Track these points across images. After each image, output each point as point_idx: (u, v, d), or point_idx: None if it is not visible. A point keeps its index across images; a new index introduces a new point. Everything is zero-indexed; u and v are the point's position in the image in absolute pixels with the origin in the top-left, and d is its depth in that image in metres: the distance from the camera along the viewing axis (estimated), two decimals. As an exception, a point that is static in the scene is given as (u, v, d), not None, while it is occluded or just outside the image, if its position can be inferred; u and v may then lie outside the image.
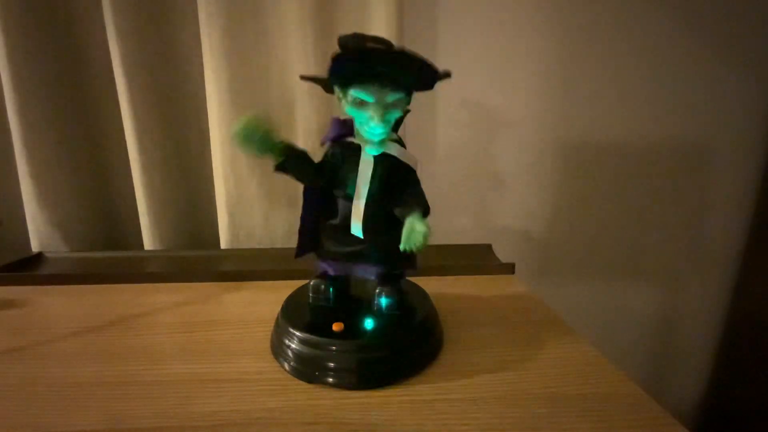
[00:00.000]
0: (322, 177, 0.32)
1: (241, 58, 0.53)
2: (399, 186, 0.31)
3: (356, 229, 0.31)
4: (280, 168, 0.30)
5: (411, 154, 0.31)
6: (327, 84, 0.30)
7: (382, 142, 0.30)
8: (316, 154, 0.53)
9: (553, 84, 0.63)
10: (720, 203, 0.70)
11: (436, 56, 0.61)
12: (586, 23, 0.61)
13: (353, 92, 0.28)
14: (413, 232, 0.27)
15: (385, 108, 0.28)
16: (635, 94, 0.64)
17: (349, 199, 0.31)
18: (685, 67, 0.64)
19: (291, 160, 0.30)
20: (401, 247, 0.27)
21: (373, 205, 0.31)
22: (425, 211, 0.29)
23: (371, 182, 0.30)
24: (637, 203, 0.69)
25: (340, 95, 0.29)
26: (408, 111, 0.31)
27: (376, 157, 0.30)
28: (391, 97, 0.28)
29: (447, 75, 0.27)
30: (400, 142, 0.32)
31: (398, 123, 0.32)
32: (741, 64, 0.64)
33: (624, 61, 0.63)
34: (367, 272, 0.34)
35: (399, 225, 0.31)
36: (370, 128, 0.28)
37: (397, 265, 0.34)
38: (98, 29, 0.54)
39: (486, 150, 0.65)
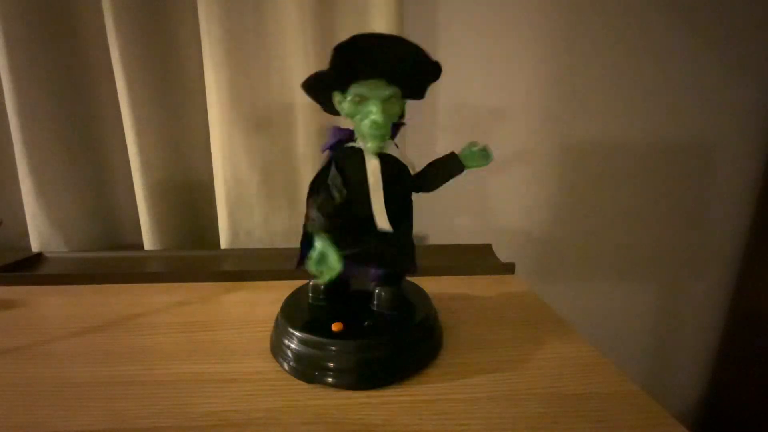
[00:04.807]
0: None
1: (241, 58, 0.53)
2: (396, 188, 0.31)
3: (383, 222, 0.31)
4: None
5: (408, 159, 0.32)
6: (325, 102, 0.32)
7: (382, 142, 0.30)
8: (315, 157, 0.53)
9: (553, 85, 0.63)
10: (720, 203, 0.70)
11: (436, 57, 0.61)
12: (586, 24, 0.61)
13: (353, 89, 0.29)
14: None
15: (383, 101, 0.29)
16: (635, 94, 0.64)
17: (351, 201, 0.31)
18: (685, 67, 0.64)
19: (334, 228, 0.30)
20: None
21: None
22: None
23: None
24: (637, 203, 0.69)
25: (340, 99, 0.30)
26: (404, 123, 0.32)
27: (379, 156, 0.30)
28: (388, 90, 0.29)
29: (436, 67, 0.31)
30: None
31: (395, 132, 0.32)
32: (741, 65, 0.64)
33: (624, 62, 0.63)
34: (365, 273, 0.34)
35: (398, 225, 0.31)
36: (372, 122, 0.29)
37: (396, 266, 0.34)
38: (98, 29, 0.54)
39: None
